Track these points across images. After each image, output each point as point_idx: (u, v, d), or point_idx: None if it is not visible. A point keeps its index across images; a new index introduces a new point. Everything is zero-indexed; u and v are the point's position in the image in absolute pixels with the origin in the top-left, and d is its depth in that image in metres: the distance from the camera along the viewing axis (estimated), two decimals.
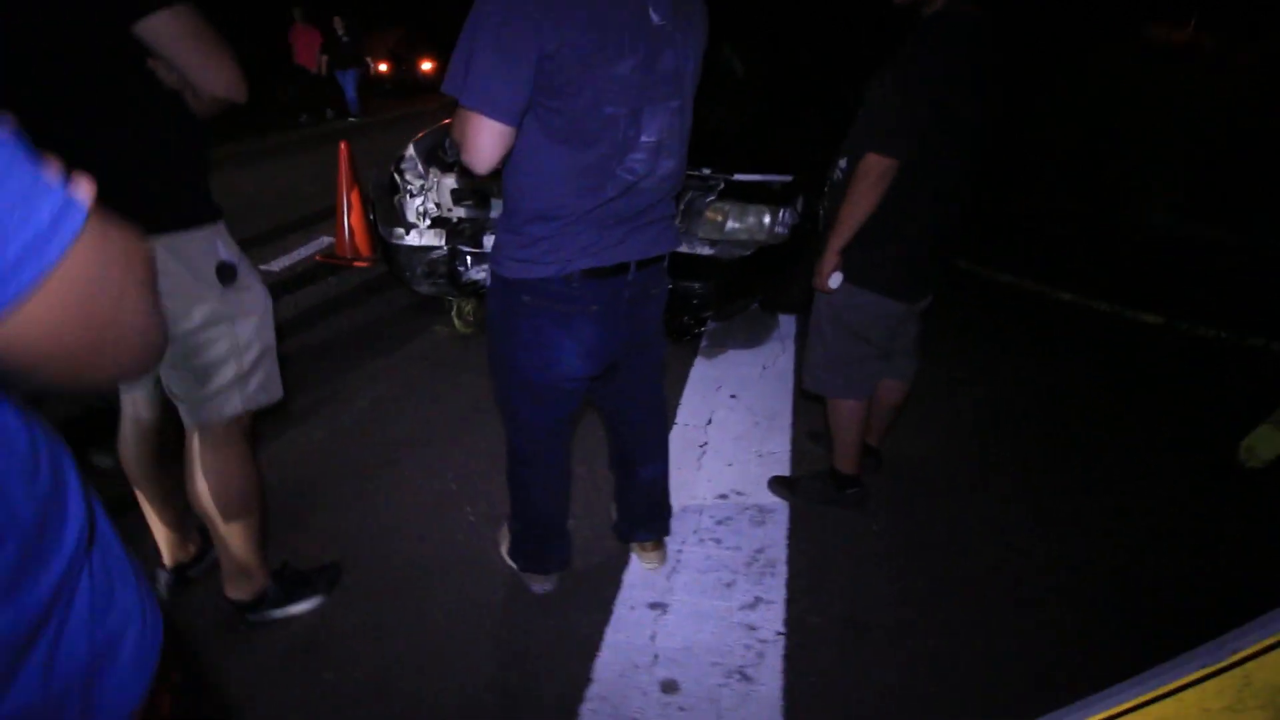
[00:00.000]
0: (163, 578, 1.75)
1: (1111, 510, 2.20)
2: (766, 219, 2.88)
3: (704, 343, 3.27)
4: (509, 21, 1.09)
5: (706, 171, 2.89)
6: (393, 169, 3.18)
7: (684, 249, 2.90)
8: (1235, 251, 4.65)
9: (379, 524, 2.06)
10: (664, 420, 1.73)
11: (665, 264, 1.47)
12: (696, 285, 2.86)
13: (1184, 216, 5.59)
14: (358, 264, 4.11)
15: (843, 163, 1.87)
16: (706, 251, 2.88)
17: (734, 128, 3.44)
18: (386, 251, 3.15)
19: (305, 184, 5.88)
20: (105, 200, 0.43)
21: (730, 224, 2.89)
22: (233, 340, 1.40)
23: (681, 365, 3.06)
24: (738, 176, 2.89)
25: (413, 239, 3.05)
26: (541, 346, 1.39)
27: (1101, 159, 6.58)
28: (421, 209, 3.08)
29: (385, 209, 3.13)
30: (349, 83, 9.58)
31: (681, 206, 2.98)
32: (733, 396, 2.82)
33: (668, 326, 3.23)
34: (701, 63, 1.31)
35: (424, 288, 3.14)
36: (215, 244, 1.35)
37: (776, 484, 2.27)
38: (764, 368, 3.06)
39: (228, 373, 1.41)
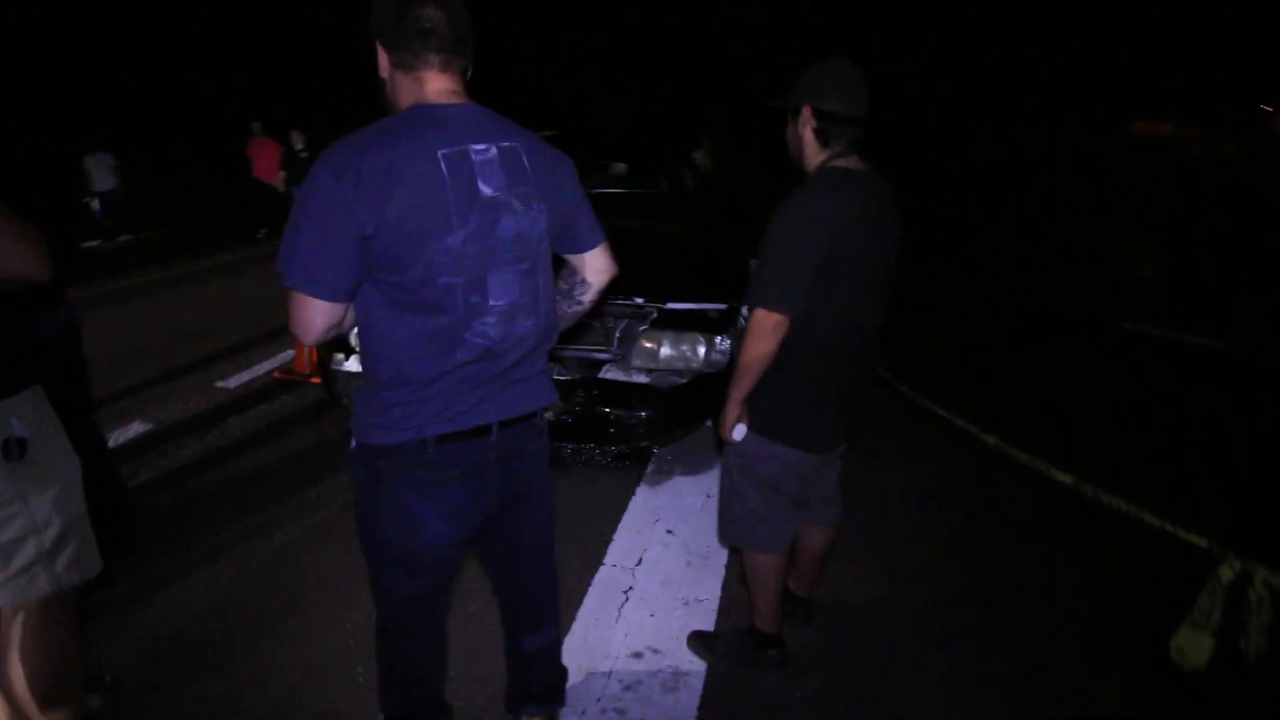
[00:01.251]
0: None
1: (1059, 697, 2.05)
2: (701, 348, 2.89)
3: (650, 467, 3.21)
4: (329, 204, 1.14)
5: (639, 301, 2.92)
6: None
7: (620, 377, 2.90)
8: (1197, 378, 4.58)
9: (262, 686, 1.96)
10: (554, 584, 1.64)
11: (539, 419, 1.45)
12: (633, 414, 2.84)
13: (1158, 319, 5.57)
14: (315, 380, 4.14)
15: (745, 310, 1.87)
16: (643, 380, 2.88)
17: (670, 254, 3.51)
18: (325, 376, 3.17)
19: (269, 297, 6.03)
20: None
21: (665, 352, 2.90)
22: (28, 518, 1.36)
23: (622, 494, 2.99)
24: (671, 305, 2.92)
25: (352, 365, 3.07)
26: (403, 513, 1.35)
27: (1074, 252, 6.65)
28: None
29: None
30: None
31: (618, 334, 3.01)
32: (669, 532, 2.74)
33: (612, 455, 3.19)
34: (569, 216, 1.36)
35: None
36: (7, 418, 1.33)
37: (696, 641, 2.15)
38: (708, 495, 2.98)
39: (28, 552, 1.36)
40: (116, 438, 3.41)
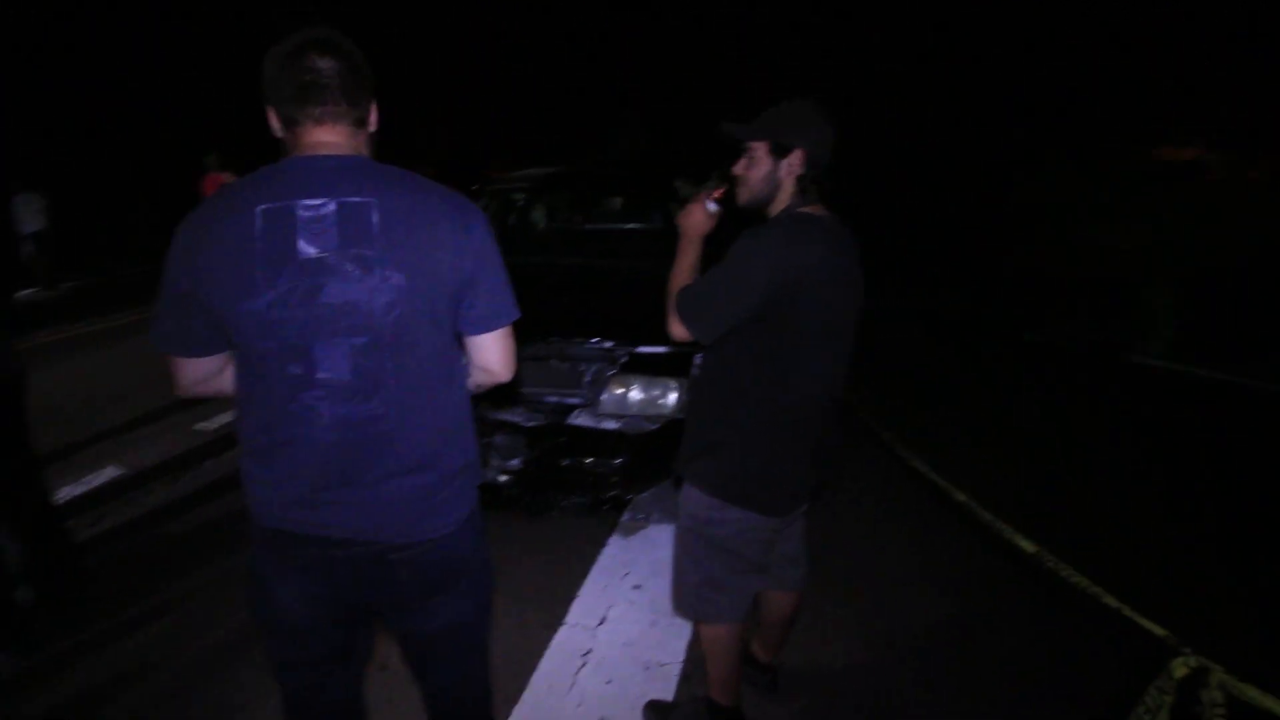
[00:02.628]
0: None
1: None
2: (673, 394, 2.83)
3: (625, 515, 3.13)
4: (169, 257, 1.15)
5: (609, 344, 2.88)
6: None
7: (590, 423, 2.85)
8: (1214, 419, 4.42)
9: None
10: (480, 689, 1.49)
11: (431, 550, 1.26)
12: (603, 462, 2.78)
13: (1177, 354, 5.40)
14: None
15: (697, 359, 1.82)
16: (612, 426, 2.82)
17: (647, 293, 3.46)
18: None
19: None
20: None
21: (635, 397, 2.84)
22: None
23: (593, 545, 2.91)
24: (641, 349, 2.87)
25: None
26: (260, 583, 1.28)
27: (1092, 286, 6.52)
28: None
29: None
30: None
31: (588, 378, 2.96)
32: (636, 587, 2.64)
33: (583, 504, 3.12)
34: (455, 288, 1.20)
35: None
36: None
37: (651, 712, 2.05)
38: None
39: None
40: (87, 483, 3.41)
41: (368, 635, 1.43)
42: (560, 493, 2.99)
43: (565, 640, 2.37)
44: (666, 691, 2.16)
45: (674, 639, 2.37)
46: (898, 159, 12.16)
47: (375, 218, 1.14)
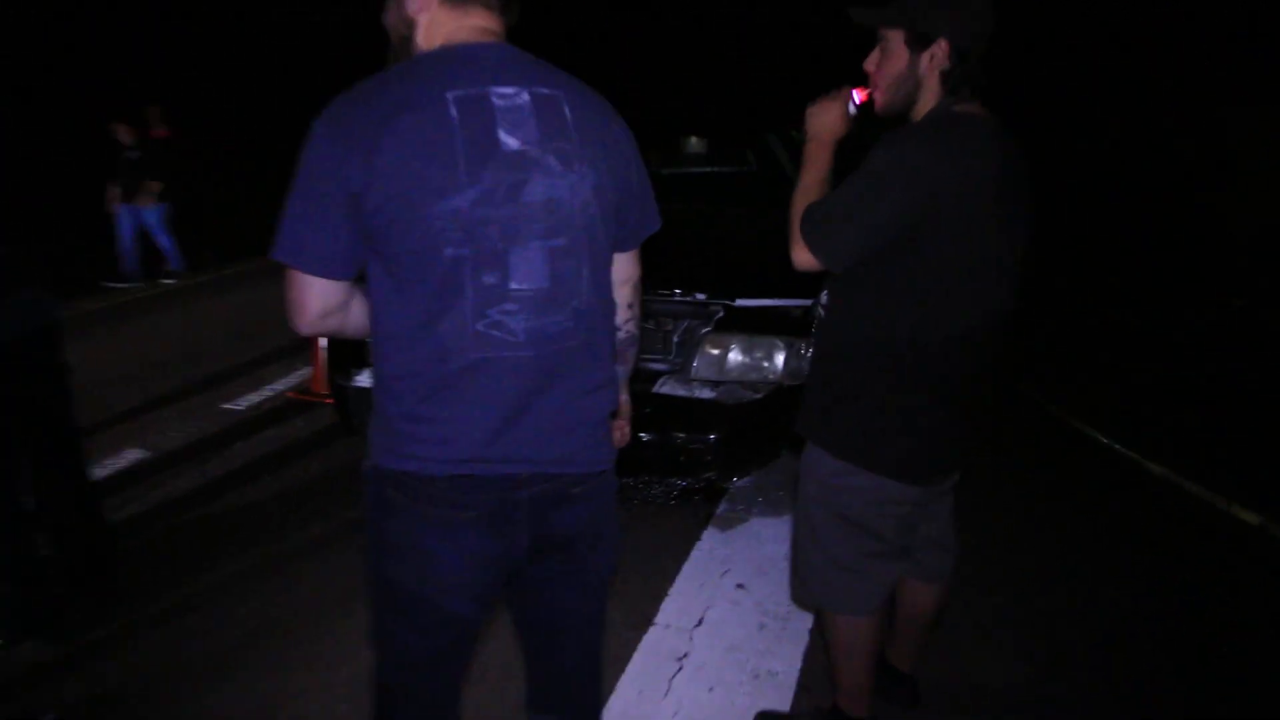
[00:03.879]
0: None
1: None
2: (780, 355, 2.82)
3: (721, 507, 3.15)
4: (315, 158, 1.16)
5: (701, 297, 2.89)
6: None
7: (680, 392, 2.88)
8: None
9: None
10: (596, 665, 1.59)
11: (605, 482, 1.40)
12: (695, 438, 2.80)
13: None
14: (330, 402, 4.31)
15: (824, 296, 1.82)
16: (706, 395, 2.84)
17: (748, 241, 3.46)
18: (336, 394, 3.29)
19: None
20: None
21: (735, 359, 2.85)
22: None
23: (683, 538, 2.94)
24: (742, 302, 2.88)
25: (365, 380, 3.18)
26: (413, 552, 1.33)
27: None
28: None
29: (339, 341, 3.30)
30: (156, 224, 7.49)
31: (676, 338, 2.99)
32: (739, 587, 2.67)
33: (671, 489, 3.16)
34: (630, 185, 1.31)
35: None
36: None
37: None
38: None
39: None
40: (108, 467, 3.66)
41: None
42: (643, 476, 3.03)
43: (657, 642, 2.41)
44: (781, 702, 2.17)
45: (788, 645, 2.38)
46: (1071, 92, 11.65)
47: (567, 111, 1.23)
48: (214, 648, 2.44)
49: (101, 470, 3.61)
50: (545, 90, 1.22)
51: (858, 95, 1.73)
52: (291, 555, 2.92)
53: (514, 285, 1.21)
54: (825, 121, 1.75)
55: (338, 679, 2.29)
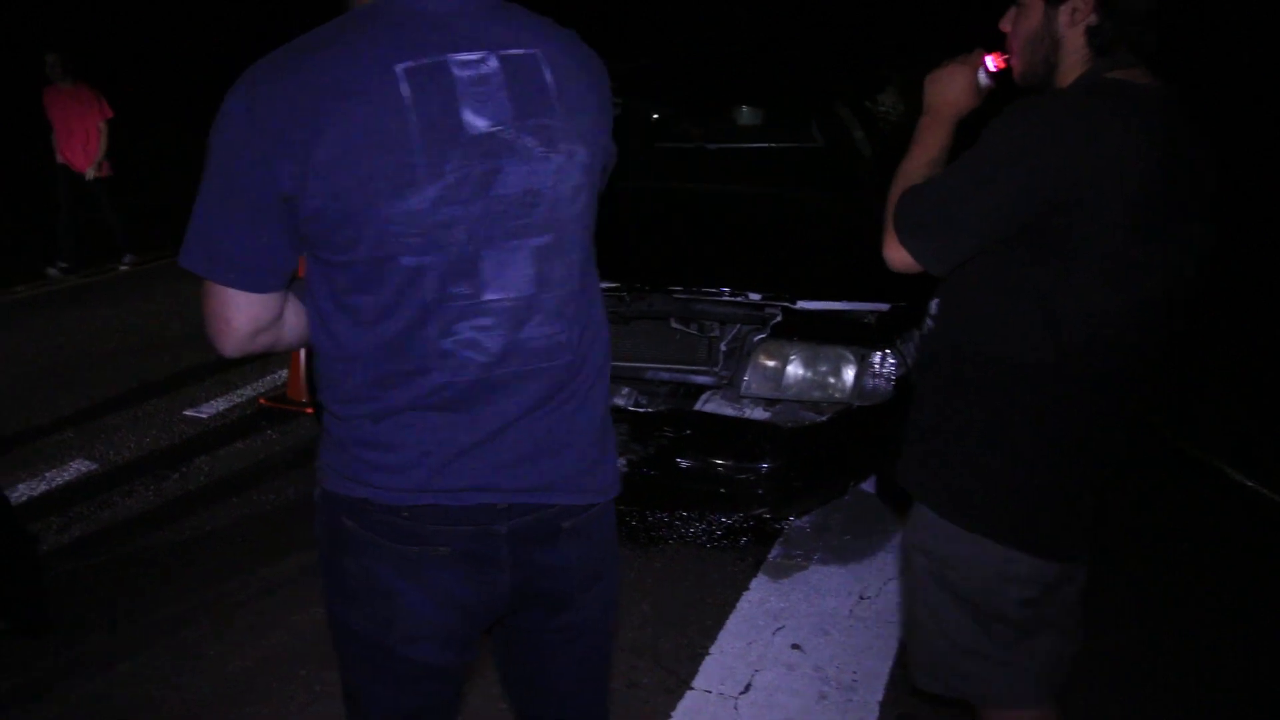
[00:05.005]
0: None
1: None
2: (850, 369, 2.79)
3: (775, 551, 3.12)
4: (234, 147, 1.10)
5: (756, 297, 2.87)
6: None
7: (728, 410, 2.86)
8: None
9: None
10: None
11: (601, 515, 1.38)
12: (745, 466, 2.78)
13: None
14: (310, 410, 4.35)
15: (934, 305, 1.74)
16: (759, 415, 2.82)
17: (812, 232, 3.44)
18: (315, 403, 3.31)
19: None
20: None
21: (794, 373, 2.83)
22: None
23: (728, 587, 2.92)
24: (804, 304, 2.85)
25: None
26: (373, 595, 1.32)
27: None
28: None
29: None
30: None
31: (724, 347, 2.97)
32: (795, 648, 2.63)
33: (704, 528, 3.13)
34: (609, 162, 1.29)
35: None
36: None
37: None
38: (860, 598, 2.85)
39: None
40: (50, 480, 3.71)
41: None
42: (680, 511, 3.01)
43: (695, 710, 2.39)
44: None
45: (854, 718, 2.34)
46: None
47: (547, 75, 1.17)
48: (160, 704, 2.44)
49: (43, 484, 3.67)
50: (518, 51, 1.16)
51: (992, 61, 1.62)
52: (259, 594, 2.93)
53: (489, 295, 1.18)
54: (948, 92, 1.66)
55: None
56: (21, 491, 3.59)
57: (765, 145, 4.66)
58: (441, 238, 1.14)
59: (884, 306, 2.85)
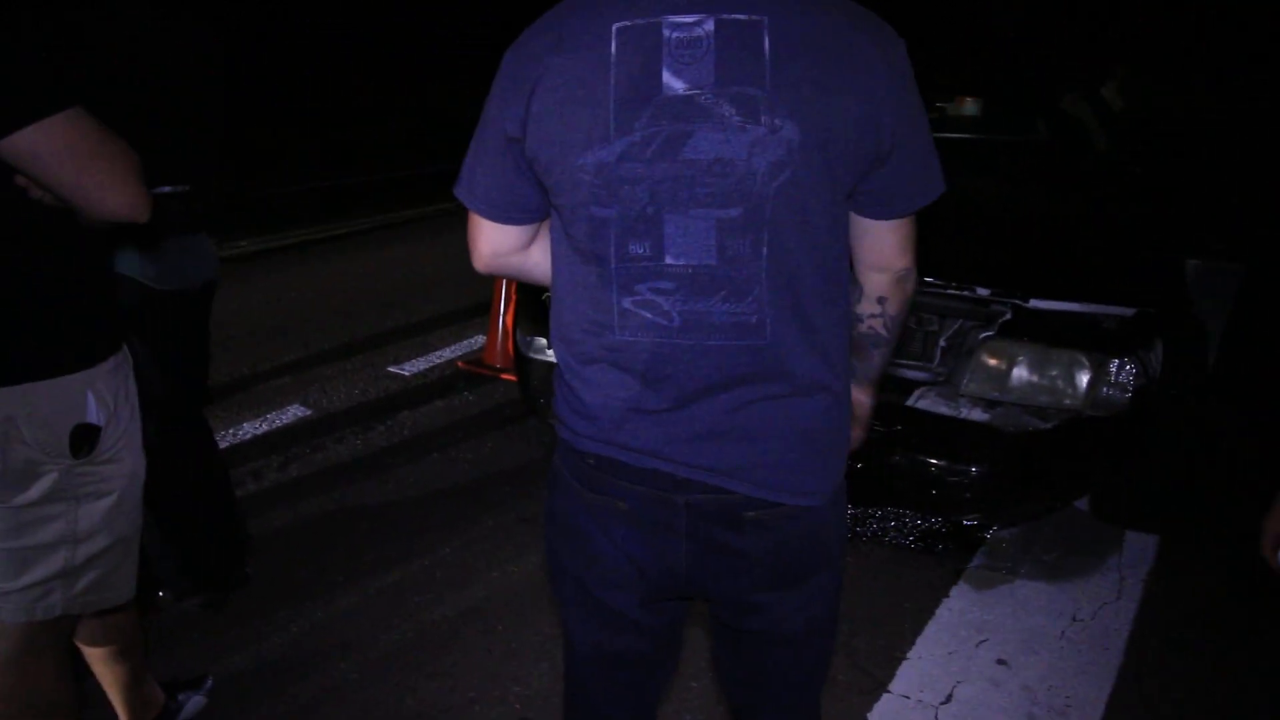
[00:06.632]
0: None
1: None
2: (1084, 375, 2.64)
3: (977, 560, 3.00)
4: (490, 96, 1.24)
5: (984, 292, 2.76)
6: None
7: (942, 409, 2.76)
8: None
9: None
10: None
11: (798, 519, 1.32)
12: (957, 468, 2.69)
13: None
14: (507, 376, 4.51)
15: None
16: (978, 416, 2.71)
17: (1039, 225, 3.27)
18: (520, 366, 3.42)
19: (465, 269, 6.65)
20: None
21: (1021, 376, 2.70)
22: (70, 525, 1.56)
23: (926, 593, 2.83)
24: (1036, 303, 2.71)
25: (554, 355, 3.28)
26: (575, 534, 1.39)
27: None
28: None
29: (526, 309, 3.43)
30: None
31: (943, 343, 2.87)
32: (1000, 663, 2.52)
33: (914, 531, 3.05)
34: (878, 138, 1.18)
35: None
36: (82, 399, 1.54)
37: None
38: (1073, 619, 2.71)
39: (53, 563, 1.58)
40: (271, 421, 4.01)
41: (678, 641, 1.52)
42: (882, 507, 2.94)
43: (893, 714, 2.34)
44: None
45: None
46: None
47: (766, 43, 1.13)
48: (370, 645, 2.60)
49: (265, 425, 3.96)
50: (740, 16, 1.12)
51: None
52: (458, 549, 3.07)
53: (669, 260, 1.18)
54: None
55: (511, 694, 2.38)
56: (247, 430, 3.90)
57: (986, 137, 4.48)
58: (623, 193, 1.17)
59: (1128, 311, 2.68)
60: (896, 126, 1.17)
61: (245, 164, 10.01)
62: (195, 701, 2.26)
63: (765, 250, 1.18)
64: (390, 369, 4.70)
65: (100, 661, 1.99)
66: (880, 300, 1.37)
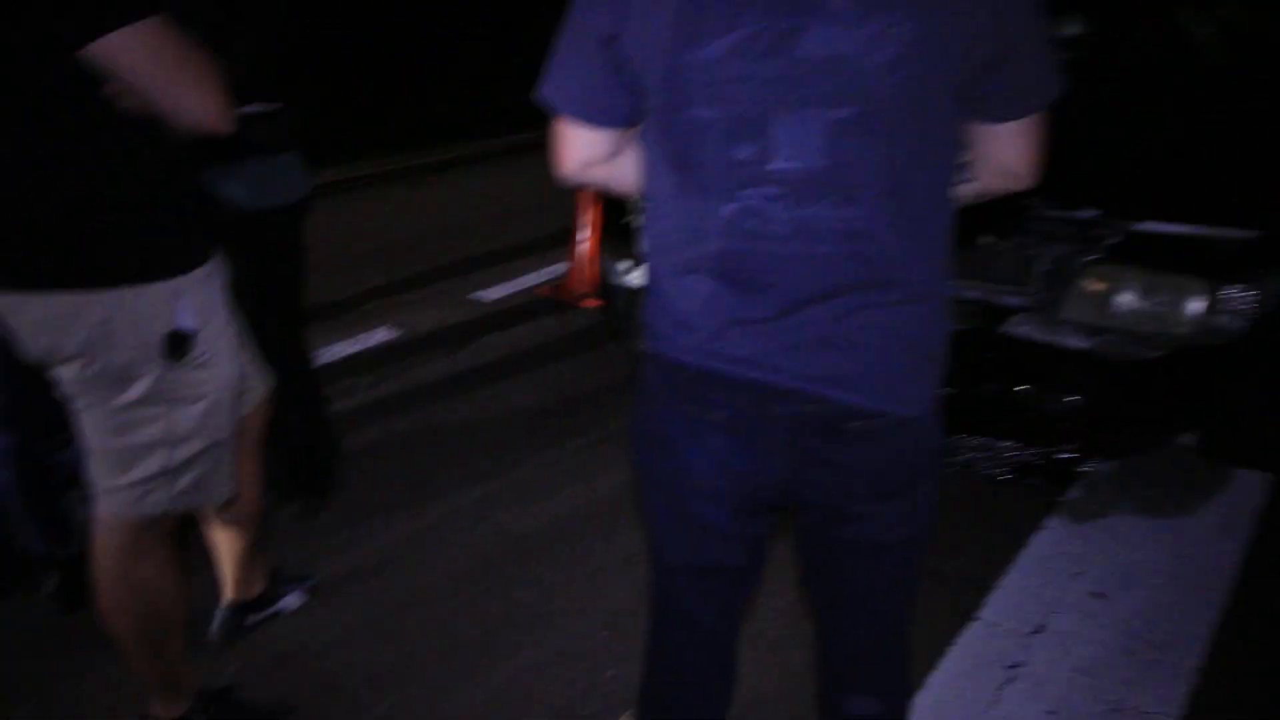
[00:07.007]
0: (218, 614, 2.25)
1: None
2: (1194, 301, 2.50)
3: (1073, 491, 2.93)
4: None
5: (1089, 214, 2.63)
6: None
7: (1039, 335, 2.66)
8: None
9: (480, 670, 2.21)
10: (899, 641, 1.55)
11: (901, 431, 1.29)
12: (1051, 398, 2.61)
13: None
14: (588, 303, 4.51)
15: None
16: (1078, 344, 2.61)
17: (1147, 140, 3.09)
18: (604, 292, 3.41)
19: (549, 197, 6.65)
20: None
21: (1126, 301, 2.58)
22: (167, 427, 1.62)
23: (1020, 522, 2.78)
24: (1145, 225, 2.58)
25: (638, 278, 3.26)
26: (666, 447, 1.39)
27: None
28: None
29: (610, 235, 3.41)
30: None
31: (1043, 266, 2.76)
32: (1096, 596, 2.47)
33: (1006, 462, 2.98)
34: (987, 51, 1.12)
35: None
36: (175, 305, 1.59)
37: None
38: (1176, 556, 2.62)
39: (153, 463, 1.64)
40: (361, 342, 4.12)
41: (765, 552, 1.51)
42: (974, 436, 2.87)
43: (980, 640, 2.31)
44: None
45: (1164, 682, 2.17)
46: None
47: None
48: (441, 554, 2.68)
49: (355, 345, 4.07)
50: None
51: None
52: (541, 468, 3.12)
53: (776, 164, 1.13)
54: None
55: (596, 606, 2.42)
56: (338, 350, 4.01)
57: (1094, 53, 4.25)
58: (729, 93, 1.12)
59: (1248, 234, 2.53)
60: (1016, 25, 1.12)
61: (334, 93, 10.17)
62: (296, 596, 2.38)
63: (879, 152, 1.13)
64: (474, 295, 4.77)
65: (217, 531, 2.12)
66: (980, 191, 1.33)
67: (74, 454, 1.79)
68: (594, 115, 1.25)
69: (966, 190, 1.32)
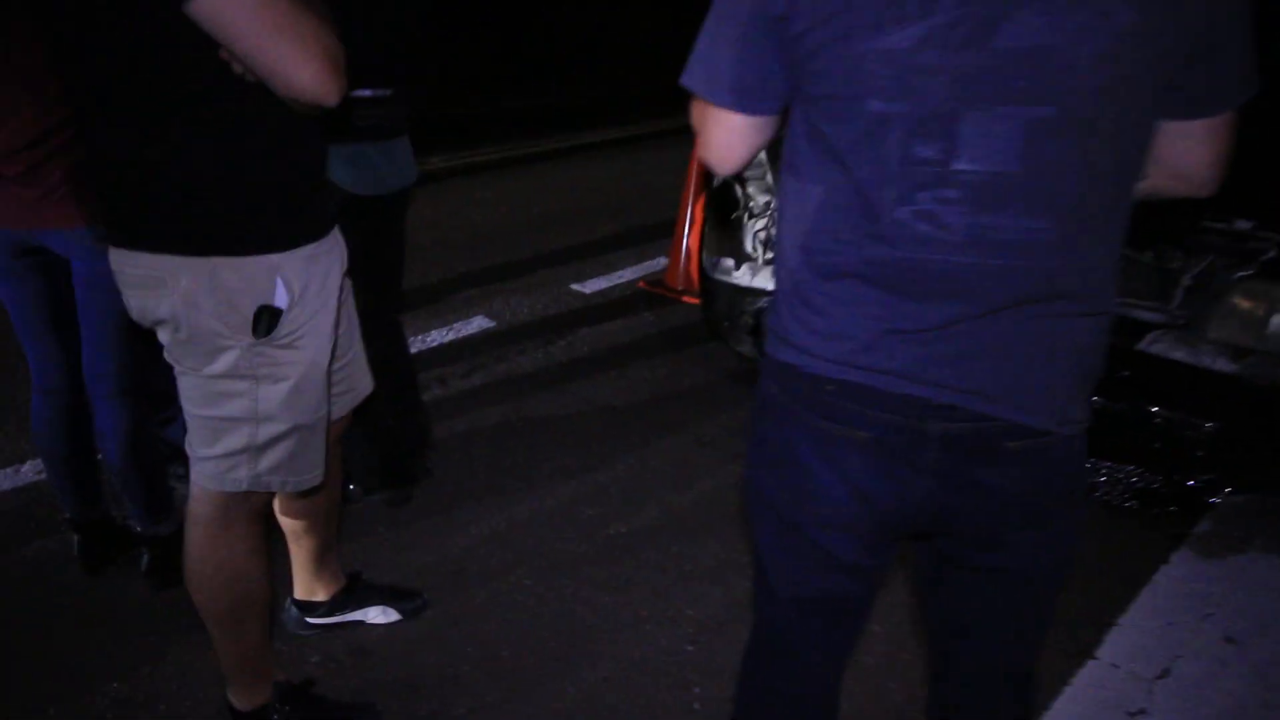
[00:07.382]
0: (290, 611, 2.27)
1: None
2: None
3: (1204, 525, 2.73)
4: None
5: (1243, 225, 2.45)
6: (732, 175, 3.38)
7: (1180, 355, 2.49)
8: None
9: (553, 680, 2.15)
10: (1026, 679, 1.45)
11: (1061, 449, 1.20)
12: (1186, 420, 2.44)
13: None
14: (688, 299, 4.44)
15: None
16: (1223, 366, 2.43)
17: None
18: (706, 288, 3.33)
19: (652, 189, 6.63)
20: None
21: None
22: (252, 404, 1.60)
23: (1143, 556, 2.60)
24: None
25: (743, 276, 3.17)
26: (791, 469, 1.30)
27: None
28: (765, 235, 3.19)
29: (714, 230, 3.31)
30: None
31: (1187, 281, 2.57)
32: (1229, 641, 2.28)
33: (1131, 488, 2.81)
34: (1206, 23, 1.00)
35: (746, 347, 3.23)
36: (272, 281, 1.56)
37: None
38: None
39: (238, 438, 1.63)
40: (457, 330, 4.12)
41: (878, 585, 1.43)
42: (1098, 459, 2.70)
43: (1099, 681, 2.16)
44: None
45: None
46: None
47: None
48: (539, 555, 2.63)
49: (451, 333, 4.07)
50: None
51: None
52: (632, 468, 3.06)
53: (960, 165, 1.03)
54: None
55: (684, 616, 2.34)
56: (435, 337, 4.02)
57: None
58: (916, 85, 1.02)
59: None
60: (1226, 11, 1.01)
61: (442, 81, 10.32)
62: (383, 611, 2.32)
63: (1076, 158, 1.02)
64: (572, 286, 4.74)
65: (291, 533, 2.13)
66: (1148, 193, 1.19)
67: (179, 429, 1.79)
68: (753, 102, 1.17)
69: (1135, 190, 1.19)
